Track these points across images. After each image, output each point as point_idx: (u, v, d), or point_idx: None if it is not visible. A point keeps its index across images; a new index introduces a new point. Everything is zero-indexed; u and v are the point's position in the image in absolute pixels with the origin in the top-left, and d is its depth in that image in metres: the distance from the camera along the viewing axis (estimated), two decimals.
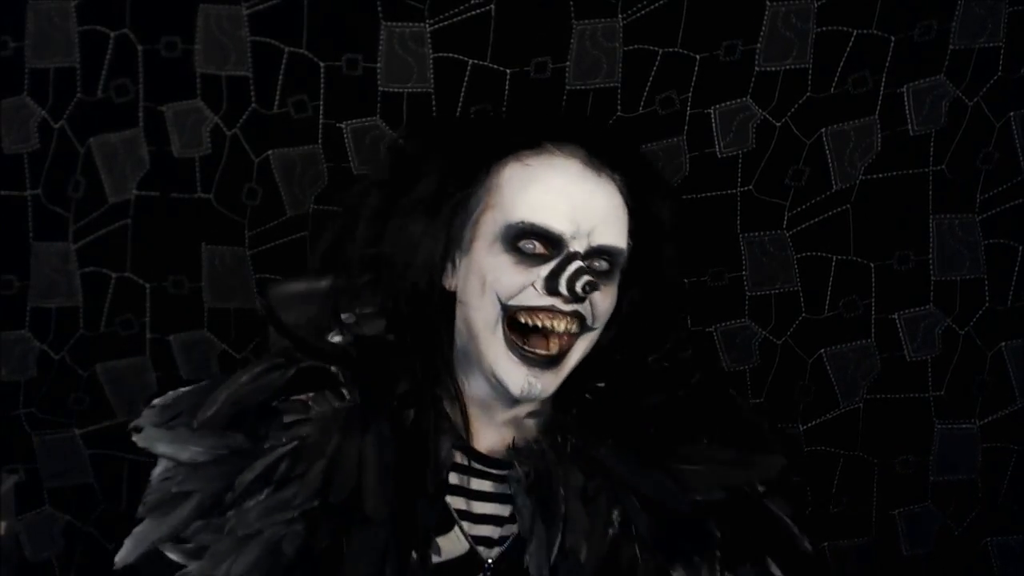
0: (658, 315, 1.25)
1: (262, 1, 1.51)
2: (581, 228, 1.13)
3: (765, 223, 1.64)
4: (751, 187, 1.62)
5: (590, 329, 1.16)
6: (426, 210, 1.15)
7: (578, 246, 1.13)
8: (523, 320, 1.13)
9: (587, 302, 1.14)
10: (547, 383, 1.14)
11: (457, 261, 1.16)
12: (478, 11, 1.52)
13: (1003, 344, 1.70)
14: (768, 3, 1.55)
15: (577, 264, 1.12)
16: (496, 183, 1.15)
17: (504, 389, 1.14)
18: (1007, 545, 1.76)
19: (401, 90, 1.55)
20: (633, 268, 1.19)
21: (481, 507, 1.18)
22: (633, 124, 1.57)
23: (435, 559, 1.11)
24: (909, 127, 1.61)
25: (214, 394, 1.11)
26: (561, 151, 1.15)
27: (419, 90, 1.55)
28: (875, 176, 1.63)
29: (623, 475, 1.16)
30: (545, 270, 1.12)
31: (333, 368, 1.16)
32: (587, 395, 1.23)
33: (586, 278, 1.11)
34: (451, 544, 1.14)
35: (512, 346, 1.13)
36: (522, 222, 1.12)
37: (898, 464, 1.74)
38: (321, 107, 1.56)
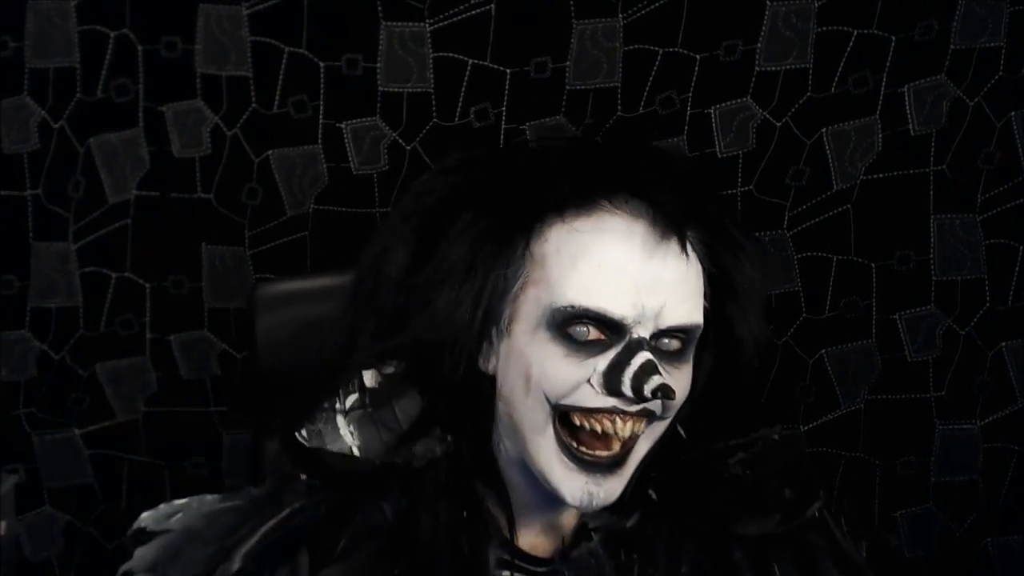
0: (734, 392, 1.03)
1: (262, 1, 1.51)
2: (647, 311, 0.91)
3: (766, 223, 1.64)
4: (751, 187, 1.62)
5: (661, 419, 0.95)
6: (456, 282, 0.93)
7: (643, 331, 0.91)
8: (578, 422, 0.93)
9: None
10: (610, 489, 0.94)
11: (495, 340, 0.95)
12: (478, 11, 1.52)
13: (1004, 344, 1.70)
14: (768, 3, 1.55)
15: (644, 357, 0.90)
16: (539, 253, 0.93)
17: (560, 498, 0.94)
18: (1007, 546, 1.76)
19: (401, 90, 1.55)
20: (708, 331, 0.97)
21: None
22: (633, 124, 1.57)
23: None
24: (910, 127, 1.61)
25: (228, 558, 0.93)
26: (619, 210, 0.92)
27: (419, 90, 1.55)
28: (876, 176, 1.63)
29: None
30: (603, 362, 0.91)
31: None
32: (650, 491, 1.02)
33: (657, 380, 0.89)
34: None
35: (566, 449, 0.93)
36: (572, 307, 0.91)
37: (899, 465, 1.74)
38: (321, 107, 1.56)
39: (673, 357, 0.93)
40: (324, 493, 0.96)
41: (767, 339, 1.00)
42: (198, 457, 1.67)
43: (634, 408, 0.91)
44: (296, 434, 0.99)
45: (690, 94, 1.58)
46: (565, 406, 0.92)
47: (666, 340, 0.93)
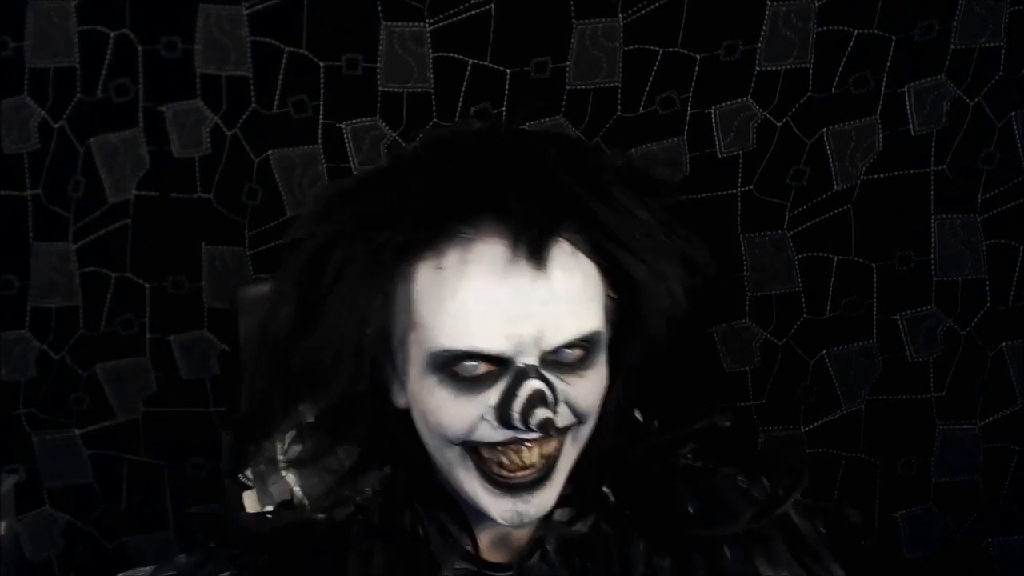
0: (666, 374, 0.98)
1: (262, 1, 1.51)
2: (525, 339, 0.85)
3: (766, 223, 1.64)
4: (752, 187, 1.62)
5: (579, 425, 0.91)
6: (337, 344, 0.89)
7: (528, 358, 0.86)
8: (487, 455, 0.89)
9: (563, 404, 0.88)
10: (540, 503, 0.91)
11: (399, 380, 0.93)
12: (478, 11, 1.52)
13: (1004, 344, 1.70)
14: (768, 3, 1.55)
15: (530, 388, 0.86)
16: (412, 296, 0.87)
17: (491, 519, 0.92)
18: (1008, 546, 1.76)
19: (401, 90, 1.55)
20: (620, 319, 0.92)
21: None
22: (633, 124, 1.57)
23: None
24: (910, 127, 1.61)
25: None
26: (478, 234, 0.85)
27: (419, 90, 1.55)
28: (876, 176, 1.63)
29: None
30: (495, 395, 0.87)
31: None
32: (606, 490, 0.99)
33: (541, 415, 0.85)
34: None
35: (486, 476, 0.90)
36: (445, 351, 0.86)
37: (900, 465, 1.74)
38: (321, 107, 1.56)
39: (577, 366, 0.88)
40: (250, 557, 0.92)
41: (686, 317, 0.93)
42: (197, 457, 1.67)
43: (534, 436, 0.87)
44: (240, 475, 0.98)
45: (690, 94, 1.58)
46: (471, 442, 0.88)
47: (567, 351, 0.87)
